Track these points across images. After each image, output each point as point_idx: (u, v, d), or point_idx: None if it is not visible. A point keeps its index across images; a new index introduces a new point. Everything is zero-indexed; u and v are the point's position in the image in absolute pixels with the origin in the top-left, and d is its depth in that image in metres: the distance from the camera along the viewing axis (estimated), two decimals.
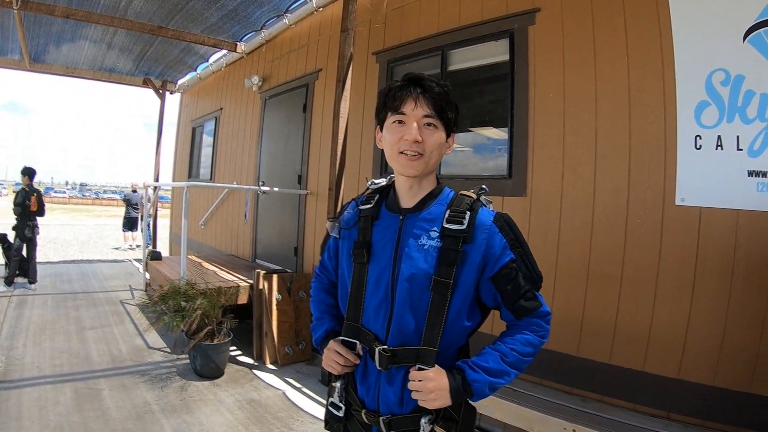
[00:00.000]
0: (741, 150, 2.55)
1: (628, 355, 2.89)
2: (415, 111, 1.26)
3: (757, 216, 2.50)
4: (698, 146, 2.68)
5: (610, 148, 3.03)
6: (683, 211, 2.74)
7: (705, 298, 2.66)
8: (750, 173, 2.52)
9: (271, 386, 4.17)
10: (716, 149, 2.63)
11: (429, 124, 1.27)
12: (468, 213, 1.26)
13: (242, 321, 5.03)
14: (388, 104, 1.30)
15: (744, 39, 2.55)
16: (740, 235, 2.56)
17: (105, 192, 79.24)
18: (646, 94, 2.90)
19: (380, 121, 1.36)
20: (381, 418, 1.30)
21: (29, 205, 6.90)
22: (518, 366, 1.27)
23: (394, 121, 1.29)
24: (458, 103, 1.35)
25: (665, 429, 2.58)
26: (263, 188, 5.95)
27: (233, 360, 4.71)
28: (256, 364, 4.71)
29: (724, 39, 2.61)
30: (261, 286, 4.82)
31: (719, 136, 2.62)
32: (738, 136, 2.56)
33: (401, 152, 1.27)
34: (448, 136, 1.33)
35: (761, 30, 2.50)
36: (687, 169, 2.73)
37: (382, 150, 1.34)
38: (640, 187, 2.91)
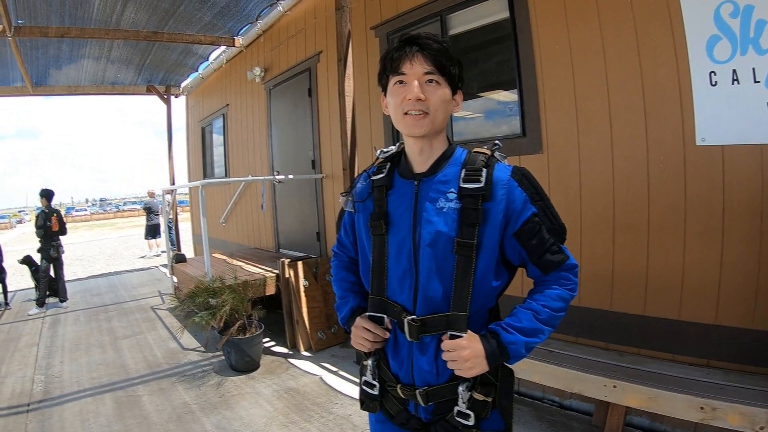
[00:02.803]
0: (758, 82, 2.42)
1: (663, 305, 2.82)
2: (414, 69, 1.22)
3: None
4: (714, 83, 2.57)
5: (623, 94, 2.93)
6: (705, 152, 2.63)
7: (736, 239, 2.56)
8: None
9: (308, 373, 4.21)
10: (732, 84, 2.51)
11: (431, 81, 1.23)
12: (484, 170, 1.22)
13: (273, 311, 5.07)
14: (387, 67, 1.27)
15: None
16: (766, 170, 2.45)
17: (125, 204, 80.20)
18: (653, 34, 2.77)
19: (384, 87, 1.32)
20: (417, 391, 1.27)
21: (50, 225, 7.03)
22: (551, 323, 1.24)
23: (396, 83, 1.25)
24: (462, 61, 1.30)
25: (706, 377, 2.51)
26: (278, 177, 5.95)
27: (268, 351, 4.76)
28: (290, 352, 4.75)
29: None
30: (287, 275, 4.85)
31: (734, 70, 2.50)
32: (754, 68, 2.43)
33: (406, 113, 1.23)
34: (454, 92, 1.28)
35: None
36: (704, 108, 2.62)
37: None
38: (657, 131, 2.80)
